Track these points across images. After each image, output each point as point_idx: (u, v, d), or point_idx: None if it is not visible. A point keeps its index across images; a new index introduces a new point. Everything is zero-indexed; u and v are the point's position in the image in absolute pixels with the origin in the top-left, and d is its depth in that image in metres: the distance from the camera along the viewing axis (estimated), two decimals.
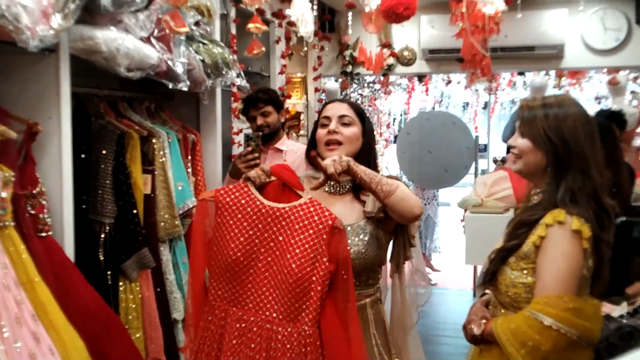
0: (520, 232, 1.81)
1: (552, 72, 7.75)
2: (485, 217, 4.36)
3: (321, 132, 2.12)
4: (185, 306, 2.82)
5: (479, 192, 4.45)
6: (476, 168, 6.83)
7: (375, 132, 2.23)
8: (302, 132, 5.46)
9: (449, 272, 7.78)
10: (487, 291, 2.04)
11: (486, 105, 10.34)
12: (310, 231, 1.92)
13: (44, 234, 1.99)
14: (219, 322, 1.98)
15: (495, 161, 5.22)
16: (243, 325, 1.95)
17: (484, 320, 1.84)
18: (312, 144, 2.19)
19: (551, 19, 5.43)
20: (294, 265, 1.89)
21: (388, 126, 10.61)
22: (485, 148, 8.07)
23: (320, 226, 1.91)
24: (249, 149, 2.90)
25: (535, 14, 5.36)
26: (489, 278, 1.87)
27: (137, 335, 2.45)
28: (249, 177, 2.03)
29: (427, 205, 7.26)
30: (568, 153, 1.76)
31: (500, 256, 1.84)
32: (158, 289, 2.67)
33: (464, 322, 1.95)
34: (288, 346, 1.89)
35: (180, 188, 2.87)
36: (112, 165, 2.46)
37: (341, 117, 2.11)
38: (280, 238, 1.95)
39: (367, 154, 2.13)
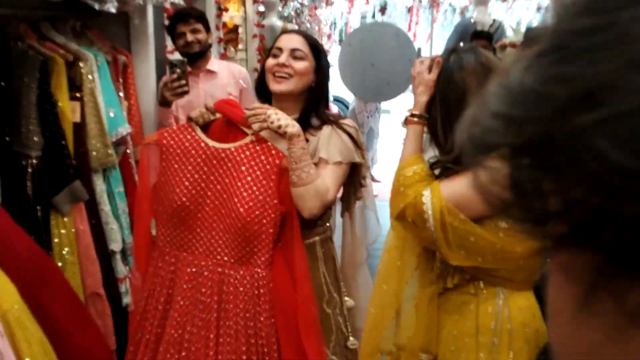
0: None
1: None
2: None
3: (270, 62, 2.02)
4: (124, 236, 2.76)
5: None
6: None
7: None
8: (240, 46, 5.26)
9: (389, 182, 7.88)
10: None
11: (430, 11, 10.16)
12: (258, 172, 1.86)
13: None
14: (168, 268, 1.95)
15: None
16: (194, 269, 1.92)
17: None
18: (262, 74, 2.09)
19: None
20: (241, 210, 1.84)
21: (329, 37, 10.37)
22: None
23: (268, 167, 1.85)
24: (174, 76, 2.80)
25: None
26: None
27: (74, 271, 2.38)
28: (192, 118, 1.94)
29: (370, 117, 7.22)
30: None
31: None
32: (93, 221, 2.57)
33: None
34: (241, 289, 1.88)
35: (112, 115, 2.72)
36: (35, 94, 2.30)
37: (293, 50, 2.00)
38: (227, 180, 1.89)
39: (318, 92, 2.05)
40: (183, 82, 2.85)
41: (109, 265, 2.67)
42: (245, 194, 1.86)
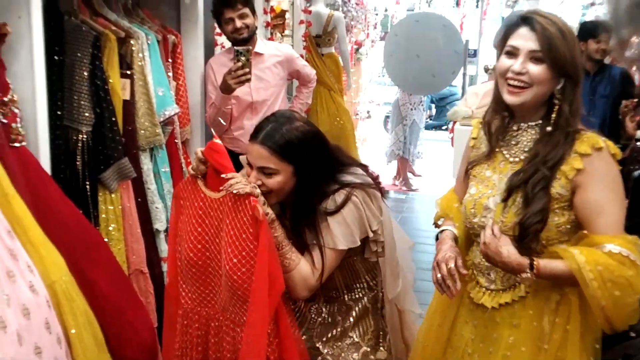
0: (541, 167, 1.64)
1: None
2: None
3: (248, 173, 1.88)
4: (168, 216, 2.76)
5: (469, 103, 4.33)
6: (464, 74, 6.68)
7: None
8: (286, 32, 5.23)
9: (429, 177, 7.80)
10: (448, 227, 1.92)
11: (478, 3, 9.96)
12: (238, 225, 1.71)
13: (17, 145, 1.86)
14: (194, 325, 1.91)
15: (486, 70, 5.01)
16: (216, 324, 1.87)
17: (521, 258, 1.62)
18: None
19: None
20: (227, 267, 1.72)
21: (375, 26, 10.29)
22: (475, 53, 7.74)
23: (245, 219, 1.69)
24: (239, 64, 2.83)
25: None
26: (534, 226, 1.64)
27: (119, 247, 2.39)
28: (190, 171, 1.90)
29: (414, 110, 7.15)
30: (576, 79, 1.65)
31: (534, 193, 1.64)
32: (139, 199, 2.59)
33: (437, 259, 1.78)
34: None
35: (160, 94, 2.72)
36: (88, 70, 2.30)
37: (261, 168, 1.82)
38: (222, 234, 1.77)
39: (306, 192, 1.85)
40: (247, 70, 2.90)
41: (153, 244, 2.68)
42: (229, 250, 1.71)
